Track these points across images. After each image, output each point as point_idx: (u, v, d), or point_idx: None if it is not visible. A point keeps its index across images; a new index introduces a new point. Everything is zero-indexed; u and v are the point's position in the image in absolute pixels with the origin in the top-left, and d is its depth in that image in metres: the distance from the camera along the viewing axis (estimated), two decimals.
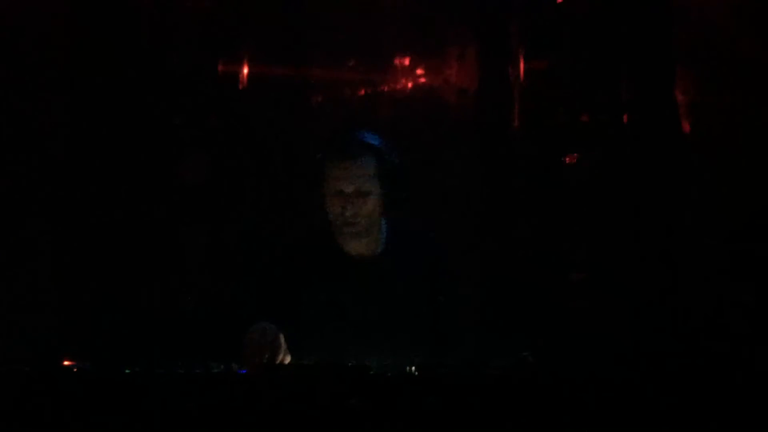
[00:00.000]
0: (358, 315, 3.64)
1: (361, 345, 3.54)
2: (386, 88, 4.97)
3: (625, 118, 4.83)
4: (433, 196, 4.73)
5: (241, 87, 4.90)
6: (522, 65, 4.89)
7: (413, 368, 3.07)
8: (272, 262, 3.73)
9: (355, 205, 3.56)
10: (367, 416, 2.97)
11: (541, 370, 3.12)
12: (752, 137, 4.65)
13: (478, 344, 3.76)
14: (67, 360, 3.15)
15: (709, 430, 2.97)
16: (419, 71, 4.97)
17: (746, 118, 4.67)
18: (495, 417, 2.99)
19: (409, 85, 4.97)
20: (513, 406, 3.00)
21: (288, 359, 3.38)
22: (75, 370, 3.12)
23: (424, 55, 4.96)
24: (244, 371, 3.10)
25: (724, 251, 4.63)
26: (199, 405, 3.02)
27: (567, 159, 4.84)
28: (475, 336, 3.82)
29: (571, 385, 3.03)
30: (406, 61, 4.96)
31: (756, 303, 4.48)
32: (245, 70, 4.91)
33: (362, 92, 4.98)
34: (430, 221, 4.24)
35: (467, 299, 3.94)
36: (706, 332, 4.47)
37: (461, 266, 4.03)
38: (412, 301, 3.68)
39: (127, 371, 3.06)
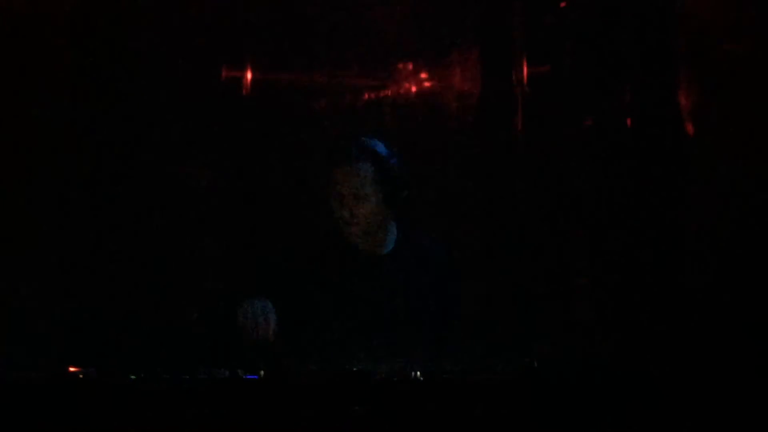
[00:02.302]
0: (362, 317, 3.70)
1: (364, 348, 3.61)
2: (389, 93, 4.98)
3: (628, 121, 4.83)
4: (436, 200, 4.74)
5: (244, 92, 4.91)
6: (525, 69, 4.89)
7: (417, 373, 3.08)
8: (277, 265, 3.81)
9: (353, 207, 3.69)
10: (371, 422, 2.97)
11: (545, 375, 3.12)
12: (756, 140, 4.65)
13: (481, 349, 3.78)
14: (72, 366, 3.16)
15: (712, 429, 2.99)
16: (422, 75, 4.98)
17: (750, 120, 4.67)
18: (499, 422, 2.99)
19: (413, 89, 4.98)
20: (516, 411, 3.00)
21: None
22: (80, 376, 3.13)
23: (428, 60, 4.97)
24: (249, 377, 3.12)
25: (728, 253, 4.63)
26: (204, 410, 3.02)
27: (570, 163, 4.85)
28: (479, 341, 3.83)
29: (574, 390, 3.04)
30: (410, 66, 4.97)
31: (759, 305, 4.48)
32: (248, 76, 4.92)
33: (365, 97, 4.99)
34: (436, 225, 4.29)
35: (470, 304, 3.96)
36: (710, 336, 4.47)
37: (464, 271, 4.04)
38: (417, 304, 3.74)
39: (132, 377, 3.07)
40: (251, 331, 3.52)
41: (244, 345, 3.50)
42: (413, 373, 3.08)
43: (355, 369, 3.08)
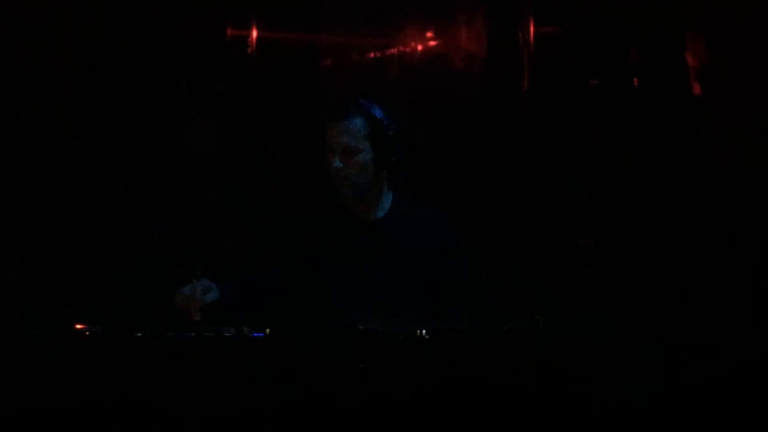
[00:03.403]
0: (365, 280, 3.77)
1: (366, 309, 3.70)
2: (395, 52, 4.96)
3: (635, 83, 4.82)
4: (442, 161, 4.74)
5: (249, 52, 4.90)
6: (531, 29, 4.87)
7: (423, 332, 3.09)
8: (280, 229, 3.90)
9: (344, 159, 3.80)
10: (377, 380, 2.98)
11: (550, 335, 3.13)
12: (764, 99, 4.65)
13: (487, 308, 3.80)
14: (78, 323, 3.17)
15: (713, 391, 2.99)
16: (428, 35, 4.96)
17: (757, 83, 4.66)
18: (504, 381, 3.00)
19: (418, 49, 4.96)
20: (522, 371, 3.01)
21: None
22: (87, 333, 3.13)
23: (434, 20, 4.95)
24: (255, 334, 3.12)
25: (733, 219, 4.63)
26: (210, 368, 3.03)
27: (576, 124, 4.84)
28: (485, 300, 3.85)
29: (579, 350, 3.04)
30: (416, 26, 4.95)
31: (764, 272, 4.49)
32: (254, 35, 4.90)
33: (371, 56, 4.98)
34: (441, 186, 4.31)
35: (478, 263, 3.97)
36: (713, 299, 4.48)
37: (471, 232, 4.05)
38: (417, 267, 3.80)
39: (138, 335, 3.07)
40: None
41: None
42: (419, 332, 3.08)
43: (361, 327, 3.09)
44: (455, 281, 3.84)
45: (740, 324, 3.21)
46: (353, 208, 3.87)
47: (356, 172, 3.80)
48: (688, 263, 4.67)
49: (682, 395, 3.00)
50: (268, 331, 3.11)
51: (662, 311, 4.43)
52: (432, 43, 4.96)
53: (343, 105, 3.85)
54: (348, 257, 3.84)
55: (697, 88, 4.78)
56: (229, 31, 4.90)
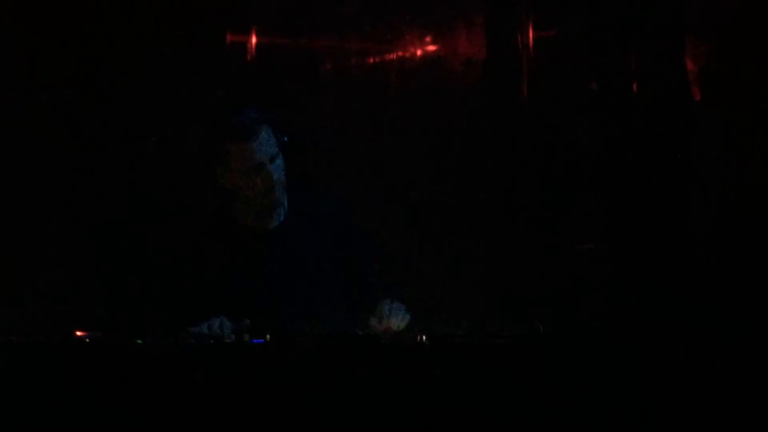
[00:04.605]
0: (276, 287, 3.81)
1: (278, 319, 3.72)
2: (393, 57, 4.97)
3: (634, 86, 4.82)
4: (439, 163, 4.75)
5: (249, 58, 4.91)
6: (531, 34, 4.88)
7: (423, 337, 3.09)
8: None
9: (260, 175, 3.79)
10: (377, 386, 2.99)
11: (551, 340, 3.13)
12: (763, 103, 4.65)
13: (488, 314, 3.80)
14: (78, 330, 3.17)
15: (715, 393, 3.00)
16: (427, 40, 4.97)
17: (756, 83, 4.66)
18: (504, 387, 3.00)
19: (417, 53, 4.97)
20: (522, 376, 3.01)
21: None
22: (87, 340, 3.14)
23: (433, 24, 4.96)
24: (255, 341, 3.13)
25: (734, 220, 4.63)
26: (210, 375, 3.04)
27: (576, 127, 4.84)
28: (485, 305, 3.85)
29: (579, 355, 3.05)
30: (415, 30, 4.96)
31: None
32: (253, 40, 4.91)
33: (370, 61, 4.98)
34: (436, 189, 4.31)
35: (477, 268, 3.98)
36: (715, 303, 4.48)
37: (470, 236, 4.06)
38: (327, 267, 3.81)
39: (138, 341, 3.08)
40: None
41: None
42: (419, 337, 3.09)
43: (360, 333, 3.10)
44: (368, 277, 3.85)
45: (741, 327, 3.21)
46: (257, 218, 3.86)
47: (276, 179, 3.80)
48: (690, 267, 4.67)
49: (684, 400, 3.00)
50: (268, 337, 3.12)
51: (663, 316, 4.43)
52: (431, 47, 4.96)
53: (240, 123, 3.81)
54: (253, 266, 3.83)
55: (696, 92, 4.78)
56: (228, 37, 4.91)
